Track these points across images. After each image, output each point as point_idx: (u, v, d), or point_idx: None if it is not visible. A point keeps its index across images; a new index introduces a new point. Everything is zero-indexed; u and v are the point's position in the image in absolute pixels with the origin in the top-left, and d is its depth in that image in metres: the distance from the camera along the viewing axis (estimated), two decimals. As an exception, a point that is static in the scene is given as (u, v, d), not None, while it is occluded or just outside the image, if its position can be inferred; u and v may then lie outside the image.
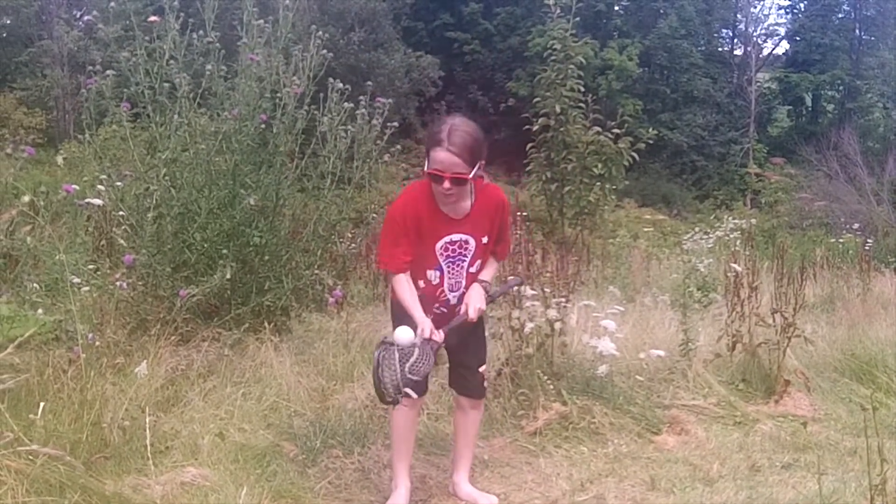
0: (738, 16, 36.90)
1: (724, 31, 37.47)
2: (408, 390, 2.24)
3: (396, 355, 2.24)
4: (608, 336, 3.43)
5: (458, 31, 30.67)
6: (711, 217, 18.07)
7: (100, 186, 3.90)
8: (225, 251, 3.60)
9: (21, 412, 2.34)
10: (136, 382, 2.90)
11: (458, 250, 2.46)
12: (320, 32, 4.15)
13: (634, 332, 4.15)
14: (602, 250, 8.16)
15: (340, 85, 4.10)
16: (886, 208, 19.43)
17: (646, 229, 15.38)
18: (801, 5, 35.90)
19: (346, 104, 4.12)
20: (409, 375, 2.24)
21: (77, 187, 3.37)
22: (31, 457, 2.07)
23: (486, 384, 2.66)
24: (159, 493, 2.35)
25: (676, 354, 3.87)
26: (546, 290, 3.48)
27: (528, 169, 7.63)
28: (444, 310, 2.49)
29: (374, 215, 4.85)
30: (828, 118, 34.07)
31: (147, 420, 2.57)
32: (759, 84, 33.99)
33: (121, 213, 3.88)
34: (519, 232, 3.70)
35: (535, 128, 7.26)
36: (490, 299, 2.58)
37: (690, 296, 5.52)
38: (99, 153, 4.08)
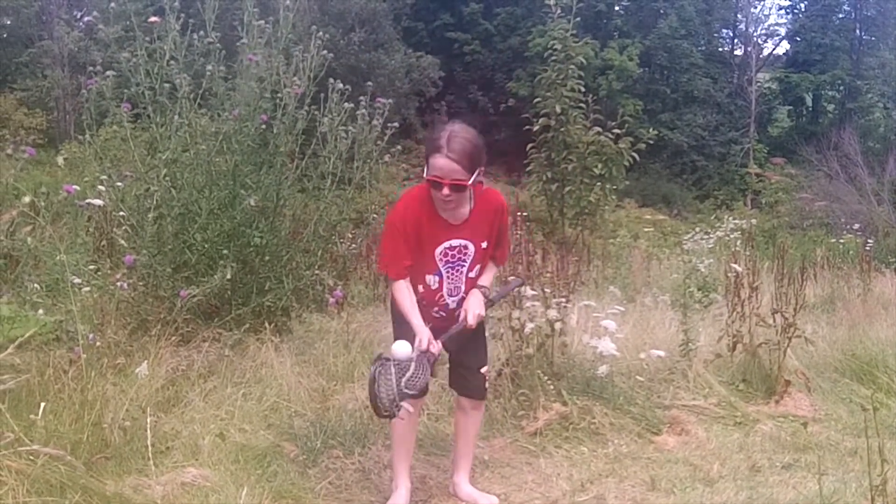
0: (739, 16, 36.90)
1: (725, 31, 37.49)
2: (404, 404, 2.24)
3: (393, 370, 2.24)
4: (608, 336, 3.43)
5: (459, 31, 30.67)
6: (712, 217, 18.06)
7: (100, 187, 3.90)
8: (225, 251, 3.60)
9: (22, 412, 2.34)
10: (137, 383, 2.90)
11: (458, 255, 2.46)
12: (321, 33, 4.15)
13: (635, 333, 4.15)
14: (602, 250, 8.16)
15: (341, 85, 4.10)
16: (887, 208, 19.41)
17: (646, 229, 15.37)
18: (802, 5, 35.90)
19: (346, 104, 4.12)
20: (406, 390, 2.24)
21: (78, 188, 3.37)
22: (31, 457, 2.07)
23: (486, 385, 2.66)
24: (160, 493, 2.36)
25: (677, 355, 3.87)
26: (546, 290, 3.48)
27: (528, 169, 7.63)
28: (444, 314, 2.49)
29: (375, 216, 4.85)
30: (828, 118, 34.06)
31: (148, 420, 2.57)
32: (759, 84, 33.98)
33: (121, 213, 3.88)
34: (519, 232, 3.70)
35: (536, 128, 7.26)
36: (490, 303, 2.58)
37: (691, 296, 5.52)
38: (99, 154, 4.08)
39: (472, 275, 2.50)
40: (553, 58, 7.27)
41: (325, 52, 4.12)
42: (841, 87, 34.42)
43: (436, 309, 2.48)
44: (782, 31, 37.48)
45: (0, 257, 3.30)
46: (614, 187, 7.38)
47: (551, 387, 3.29)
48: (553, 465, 2.93)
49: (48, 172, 11.19)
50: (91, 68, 3.72)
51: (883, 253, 10.50)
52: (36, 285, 3.26)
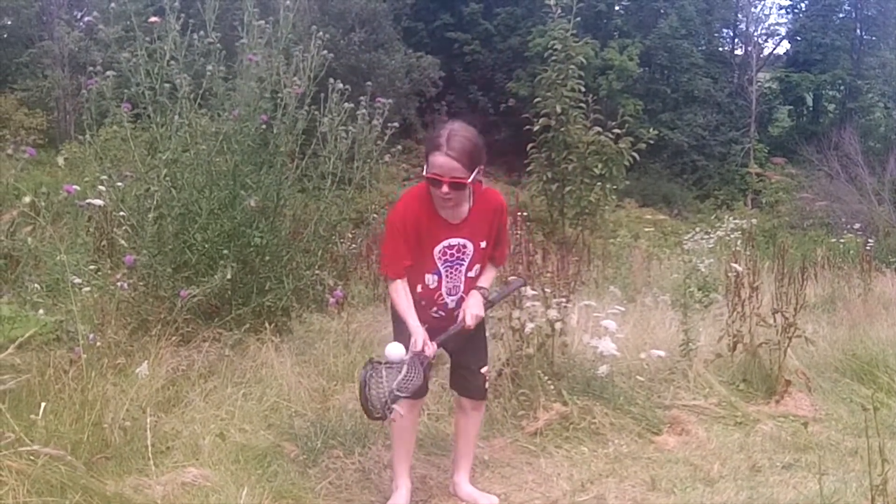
0: (739, 15, 36.88)
1: (725, 30, 37.46)
2: (396, 406, 2.24)
3: (384, 373, 2.25)
4: (609, 336, 3.43)
5: (459, 31, 30.66)
6: (712, 217, 18.04)
7: (100, 187, 3.90)
8: (226, 252, 3.60)
9: (22, 413, 2.34)
10: (137, 383, 2.90)
11: (457, 254, 2.46)
12: (321, 33, 4.15)
13: (635, 333, 4.15)
14: (603, 250, 8.16)
15: (341, 85, 4.11)
16: (887, 208, 19.42)
17: (646, 229, 15.37)
18: (802, 5, 35.86)
19: (346, 104, 4.12)
20: (397, 392, 2.24)
21: (78, 188, 3.37)
22: (32, 457, 2.07)
23: (487, 385, 2.66)
24: (160, 493, 2.36)
25: (677, 354, 3.87)
26: (546, 290, 3.48)
27: (528, 169, 7.63)
28: (443, 314, 2.49)
29: (375, 216, 4.85)
30: (829, 118, 34.04)
31: (148, 420, 2.57)
32: (759, 84, 33.96)
33: (121, 213, 3.88)
34: (519, 232, 3.70)
35: (536, 128, 7.26)
36: (490, 304, 2.58)
37: (691, 296, 5.52)
38: (100, 154, 4.08)
39: (470, 274, 2.50)
40: (553, 58, 7.26)
41: (325, 52, 4.12)
42: (841, 87, 34.40)
43: (434, 309, 2.48)
44: (783, 30, 37.52)
45: (0, 257, 3.30)
46: (614, 187, 7.38)
47: (551, 387, 3.29)
48: (553, 465, 2.93)
49: (48, 172, 11.18)
50: (91, 68, 3.73)
51: (883, 252, 10.50)
52: (36, 285, 3.26)
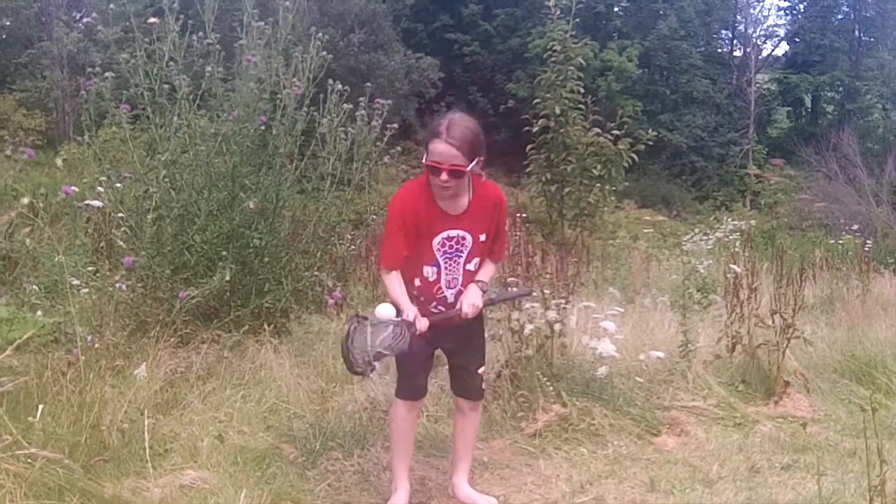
0: (738, 17, 36.93)
1: (724, 32, 37.51)
2: (377, 365, 2.22)
3: (368, 328, 2.23)
4: (608, 337, 3.43)
5: (458, 32, 30.69)
6: (711, 218, 18.07)
7: (99, 188, 3.90)
8: (224, 253, 3.60)
9: (20, 415, 2.34)
10: (136, 385, 2.90)
11: (456, 246, 2.45)
12: (320, 34, 4.15)
13: (634, 334, 4.15)
14: (602, 251, 8.17)
15: (340, 86, 4.11)
16: (886, 209, 19.46)
17: (645, 230, 15.39)
18: (801, 6, 35.93)
19: (345, 106, 4.12)
20: (379, 349, 2.22)
21: (76, 189, 3.37)
22: (29, 460, 2.07)
23: (484, 386, 2.66)
24: (158, 495, 2.35)
25: (676, 356, 3.87)
26: (546, 291, 3.48)
27: (527, 170, 7.63)
28: (442, 308, 2.47)
29: (374, 217, 4.85)
30: (827, 119, 34.09)
31: (146, 422, 2.56)
32: (758, 85, 34.01)
33: (120, 214, 3.88)
34: (518, 233, 3.70)
35: (535, 129, 7.25)
36: (490, 302, 2.57)
37: (690, 297, 5.51)
38: (98, 155, 4.08)
39: (469, 267, 2.48)
40: (552, 59, 7.26)
41: (324, 53, 4.12)
42: (840, 89, 34.45)
43: (434, 304, 2.47)
44: (781, 32, 37.57)
45: (-1, 259, 3.29)
46: (613, 188, 7.37)
47: (550, 388, 3.29)
48: (552, 467, 2.92)
49: (47, 174, 11.18)
50: (90, 69, 3.72)
51: (882, 254, 10.51)
52: (34, 287, 3.26)
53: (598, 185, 7.18)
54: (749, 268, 4.20)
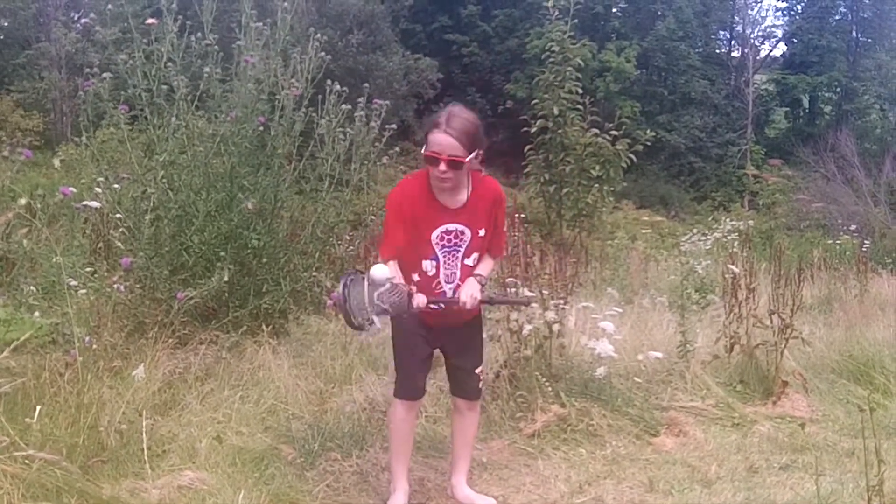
0: (736, 18, 36.97)
1: (722, 32, 37.52)
2: (375, 319, 2.21)
3: (365, 282, 2.22)
4: (606, 338, 3.43)
5: (457, 33, 30.69)
6: (709, 218, 18.10)
7: (97, 189, 3.90)
8: (223, 254, 3.60)
9: (17, 416, 2.33)
10: (134, 386, 2.89)
11: (454, 240, 2.44)
12: (318, 35, 4.16)
13: (632, 334, 4.16)
14: (600, 252, 8.17)
15: (338, 87, 4.11)
16: (883, 209, 19.49)
17: (644, 231, 15.42)
18: (799, 7, 35.97)
19: (344, 106, 4.12)
20: (377, 302, 2.21)
21: (74, 190, 3.37)
22: (27, 461, 2.06)
23: (481, 386, 2.64)
24: (156, 496, 2.35)
25: (674, 356, 3.87)
26: (544, 291, 3.48)
27: (526, 171, 7.62)
28: (442, 305, 2.46)
29: (373, 217, 4.85)
30: (825, 120, 34.12)
31: (144, 423, 2.56)
32: (756, 86, 34.03)
33: (118, 215, 3.87)
34: (517, 234, 3.70)
35: (534, 130, 7.25)
36: (490, 299, 2.56)
37: (688, 297, 5.51)
38: (96, 155, 4.07)
39: (467, 262, 2.47)
40: (551, 60, 7.26)
41: (322, 53, 4.12)
42: (837, 89, 34.49)
43: (432, 298, 2.45)
44: (779, 32, 37.58)
45: (-4, 260, 3.29)
46: (612, 189, 7.37)
47: (549, 388, 3.29)
48: (551, 467, 2.92)
49: (45, 174, 11.14)
50: (88, 70, 3.72)
51: (879, 254, 10.53)
52: (32, 287, 3.25)
53: (597, 185, 7.18)
54: (747, 268, 4.20)
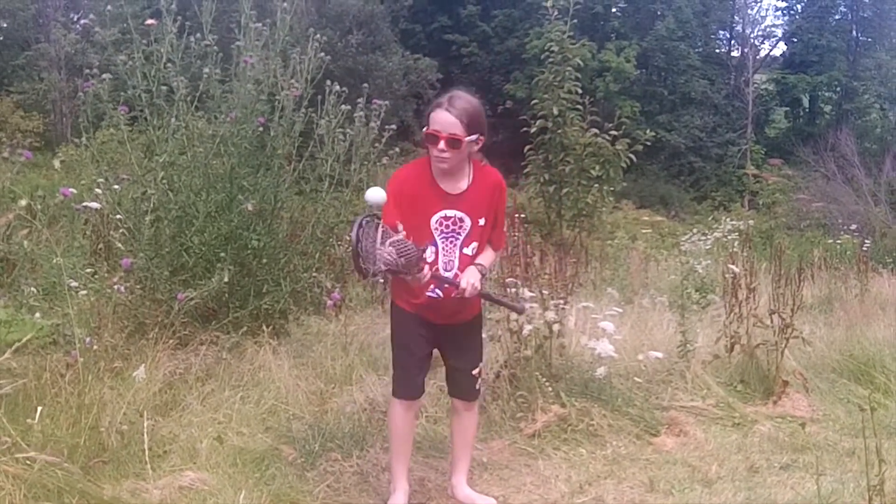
0: (736, 17, 36.97)
1: (722, 32, 37.52)
2: (383, 266, 2.17)
3: (380, 229, 2.19)
4: (606, 338, 3.43)
5: (456, 33, 30.69)
6: (709, 218, 18.09)
7: (97, 190, 3.90)
8: (223, 254, 3.60)
9: (18, 417, 2.33)
10: (134, 386, 2.90)
11: (453, 227, 2.42)
12: (318, 35, 4.16)
13: (633, 334, 4.16)
14: (600, 252, 8.17)
15: (338, 87, 4.11)
16: (884, 209, 19.49)
17: (644, 231, 15.42)
18: (798, 7, 35.97)
19: (343, 107, 4.12)
20: (389, 248, 2.17)
21: (74, 191, 3.37)
22: (28, 462, 2.06)
23: (478, 386, 2.62)
24: (157, 497, 2.35)
25: (675, 356, 3.87)
26: (544, 291, 3.48)
27: (525, 171, 7.63)
28: (439, 292, 2.44)
29: (373, 218, 4.84)
30: (825, 119, 34.13)
31: (145, 424, 2.56)
32: (756, 85, 34.03)
33: (118, 216, 3.88)
34: (517, 234, 3.70)
35: (533, 130, 7.26)
36: (487, 296, 2.56)
37: (688, 297, 5.52)
38: (96, 156, 4.08)
39: (466, 251, 2.45)
40: (550, 60, 7.26)
41: (322, 54, 4.13)
42: (838, 89, 34.49)
43: (431, 287, 2.43)
44: (779, 32, 37.57)
45: (-3, 261, 3.29)
46: (612, 189, 7.37)
47: (549, 388, 3.29)
48: (551, 467, 2.92)
49: (45, 175, 11.14)
50: (88, 71, 3.72)
51: (880, 253, 10.54)
52: (33, 289, 3.25)
53: (597, 185, 7.19)
54: (747, 268, 4.20)
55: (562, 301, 3.52)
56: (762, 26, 37.77)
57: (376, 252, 2.17)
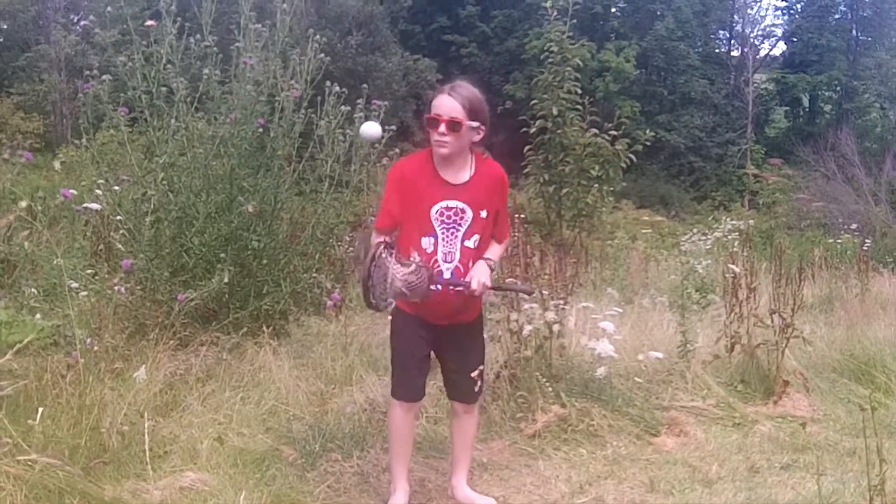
0: (735, 17, 36.97)
1: (721, 32, 37.52)
2: (392, 301, 2.20)
3: (391, 262, 2.20)
4: (606, 338, 3.43)
5: (456, 34, 30.71)
6: (709, 218, 18.10)
7: (97, 191, 3.91)
8: (223, 255, 3.60)
9: (20, 418, 2.34)
10: (135, 387, 2.90)
11: (454, 217, 2.41)
12: (318, 36, 4.16)
13: (633, 334, 4.16)
14: (600, 252, 8.17)
15: (338, 88, 4.12)
16: (884, 208, 19.48)
17: (644, 231, 15.42)
18: (798, 6, 35.96)
19: (343, 107, 4.13)
20: (399, 284, 2.19)
21: (75, 192, 3.38)
22: (29, 463, 2.07)
23: (476, 389, 2.59)
24: (158, 498, 2.35)
25: (675, 356, 3.87)
26: (544, 292, 3.48)
27: (525, 171, 7.62)
28: (439, 286, 2.41)
29: (373, 218, 4.85)
30: (825, 119, 34.12)
31: (146, 425, 2.56)
32: (756, 85, 34.03)
33: (118, 217, 3.88)
34: (517, 234, 3.70)
35: (533, 130, 7.25)
36: (497, 287, 2.55)
37: (689, 297, 5.52)
38: (96, 158, 4.08)
39: (468, 244, 2.43)
40: (549, 60, 7.26)
41: (321, 55, 4.13)
42: (838, 88, 34.49)
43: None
44: (779, 32, 37.57)
45: (-3, 262, 3.29)
46: (612, 189, 7.37)
47: (549, 389, 3.29)
48: (552, 468, 2.92)
49: (45, 177, 11.15)
50: (88, 72, 3.73)
51: (880, 253, 10.54)
52: (33, 290, 3.26)
53: (596, 185, 7.18)
54: (748, 267, 4.20)
55: (562, 301, 3.52)
56: (762, 26, 37.80)
57: (387, 288, 2.19)
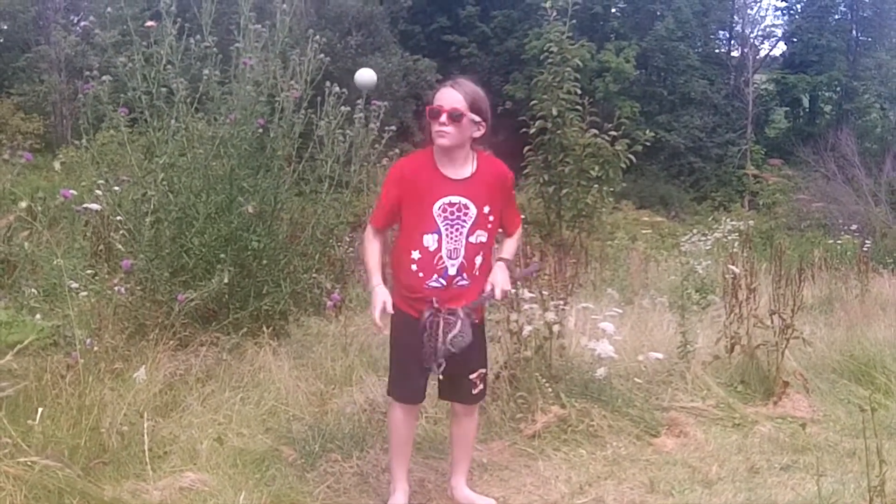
0: (735, 17, 36.99)
1: (721, 32, 37.54)
2: (443, 361, 2.32)
3: (441, 324, 2.30)
4: (606, 338, 3.43)
5: (455, 34, 30.73)
6: (709, 219, 18.10)
7: (97, 191, 3.91)
8: (223, 255, 3.60)
9: (19, 418, 2.34)
10: (135, 387, 2.90)
11: (457, 213, 2.39)
12: (317, 36, 4.16)
13: (633, 335, 4.16)
14: (600, 252, 8.17)
15: (337, 89, 4.12)
16: (884, 209, 19.48)
17: (644, 231, 15.42)
18: (798, 7, 35.99)
19: (343, 108, 4.13)
20: (449, 346, 2.31)
21: (75, 192, 3.38)
22: (29, 463, 2.07)
23: (475, 391, 2.56)
24: (158, 498, 2.35)
25: (675, 356, 3.87)
26: (544, 292, 3.48)
27: (525, 172, 7.61)
28: (443, 282, 2.39)
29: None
30: (825, 119, 34.13)
31: (145, 425, 2.57)
32: (756, 85, 34.04)
33: (118, 217, 3.88)
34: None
35: (532, 130, 7.24)
36: (513, 281, 2.58)
37: (689, 298, 5.52)
38: (96, 158, 4.08)
39: (472, 240, 2.41)
40: (549, 60, 7.25)
41: (321, 55, 4.13)
42: (838, 89, 34.50)
43: (434, 276, 2.39)
44: (779, 32, 37.59)
45: (-3, 262, 3.30)
46: (611, 189, 7.36)
47: (549, 389, 3.29)
48: (551, 468, 2.92)
49: (45, 177, 11.16)
50: (88, 73, 3.73)
51: (880, 253, 10.54)
52: (33, 290, 3.26)
53: (596, 186, 7.17)
54: (747, 268, 4.20)
55: (562, 302, 3.52)
56: (762, 26, 37.82)
57: (439, 352, 2.32)
